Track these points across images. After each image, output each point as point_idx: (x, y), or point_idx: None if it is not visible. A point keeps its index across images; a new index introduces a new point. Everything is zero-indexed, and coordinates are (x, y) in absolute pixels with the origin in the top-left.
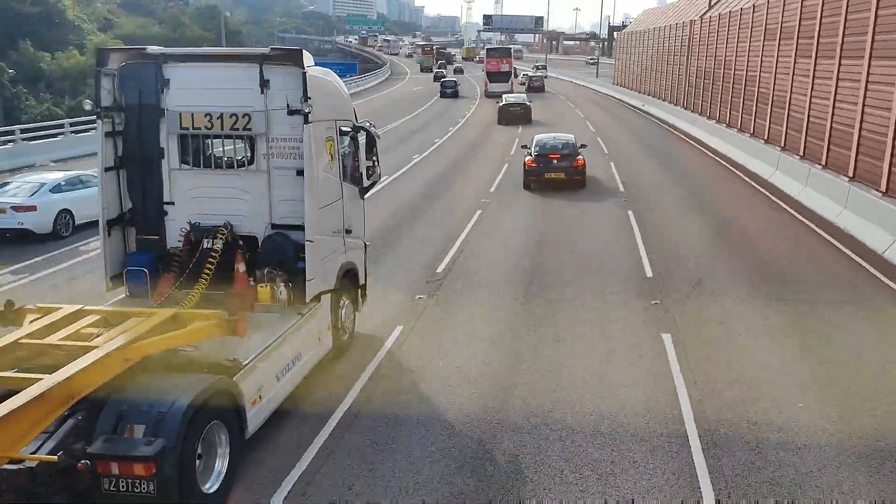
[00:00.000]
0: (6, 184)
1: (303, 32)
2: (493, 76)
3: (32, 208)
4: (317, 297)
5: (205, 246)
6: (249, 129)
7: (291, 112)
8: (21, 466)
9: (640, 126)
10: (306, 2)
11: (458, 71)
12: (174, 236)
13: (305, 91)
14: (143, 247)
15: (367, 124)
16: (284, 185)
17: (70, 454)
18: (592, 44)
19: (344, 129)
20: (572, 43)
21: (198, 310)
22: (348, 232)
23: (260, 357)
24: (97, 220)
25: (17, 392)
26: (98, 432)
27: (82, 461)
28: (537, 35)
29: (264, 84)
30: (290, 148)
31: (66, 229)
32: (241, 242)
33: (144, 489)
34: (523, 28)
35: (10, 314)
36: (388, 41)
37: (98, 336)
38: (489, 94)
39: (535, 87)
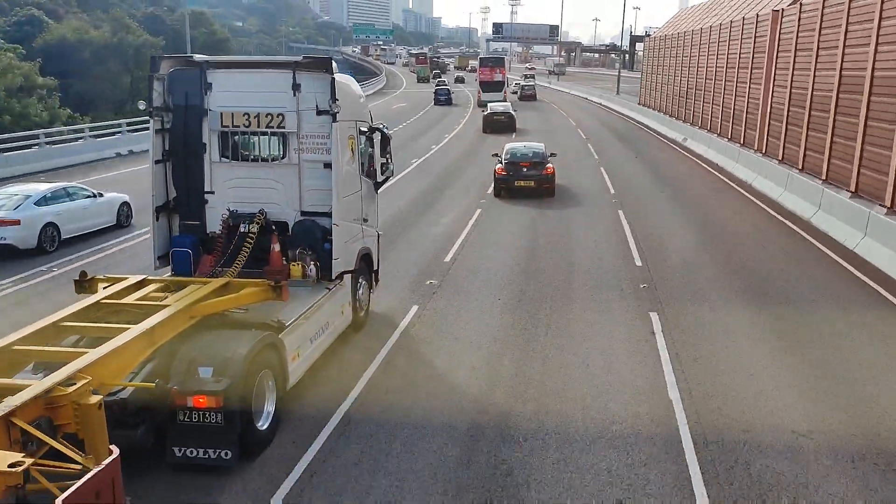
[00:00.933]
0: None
1: (314, 42)
2: (486, 85)
3: (16, 222)
4: (340, 276)
5: (241, 230)
6: (282, 127)
7: (320, 112)
8: (115, 398)
9: (700, 186)
10: (322, 12)
11: (459, 80)
12: (214, 222)
13: (333, 94)
14: (186, 231)
15: (382, 125)
16: (313, 177)
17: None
18: (613, 56)
19: (361, 129)
20: (591, 55)
21: (246, 279)
22: (365, 221)
23: (298, 321)
24: (84, 234)
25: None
26: (174, 373)
27: (173, 387)
28: (554, 46)
29: (296, 87)
30: (318, 144)
31: (52, 244)
32: (273, 227)
33: (213, 419)
34: (537, 38)
35: (85, 283)
36: (385, 50)
37: (165, 299)
38: (482, 104)
39: (526, 95)
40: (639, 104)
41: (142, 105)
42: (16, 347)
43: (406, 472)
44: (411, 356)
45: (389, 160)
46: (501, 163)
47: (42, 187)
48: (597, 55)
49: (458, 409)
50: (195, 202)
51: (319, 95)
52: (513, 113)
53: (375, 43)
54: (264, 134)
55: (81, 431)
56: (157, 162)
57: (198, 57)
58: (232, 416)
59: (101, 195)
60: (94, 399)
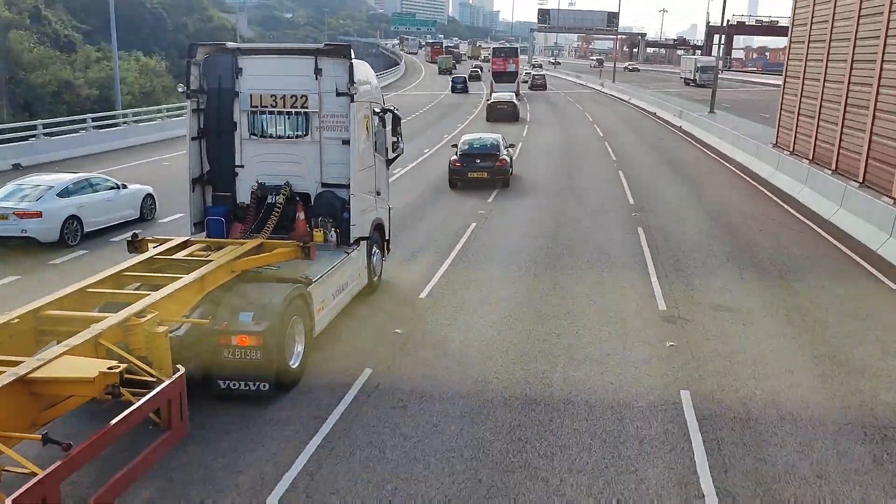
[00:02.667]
0: (20, 188)
1: (363, 35)
2: (499, 76)
3: (37, 214)
4: (357, 242)
5: (269, 201)
6: (305, 108)
7: (339, 94)
8: (172, 335)
9: None
10: (377, 4)
11: (474, 77)
12: (244, 193)
13: (351, 77)
14: (219, 201)
15: (393, 107)
16: (332, 153)
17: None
18: (680, 52)
19: (376, 109)
20: (656, 51)
21: (279, 241)
22: (378, 194)
23: (322, 278)
24: (107, 227)
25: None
26: (219, 317)
27: (224, 322)
28: (615, 40)
29: (318, 72)
30: (337, 123)
31: (74, 237)
32: (297, 198)
33: (253, 356)
34: (591, 27)
35: (136, 244)
36: (407, 39)
37: (208, 256)
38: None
39: (536, 84)
40: (774, 145)
41: (180, 88)
42: (89, 290)
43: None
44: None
45: (399, 139)
46: (457, 154)
47: (65, 177)
48: (662, 51)
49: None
50: (227, 175)
51: (339, 79)
52: (516, 102)
53: (416, 34)
54: (289, 113)
55: (150, 355)
56: (192, 139)
57: (230, 44)
58: (270, 353)
59: (124, 187)
60: (161, 328)
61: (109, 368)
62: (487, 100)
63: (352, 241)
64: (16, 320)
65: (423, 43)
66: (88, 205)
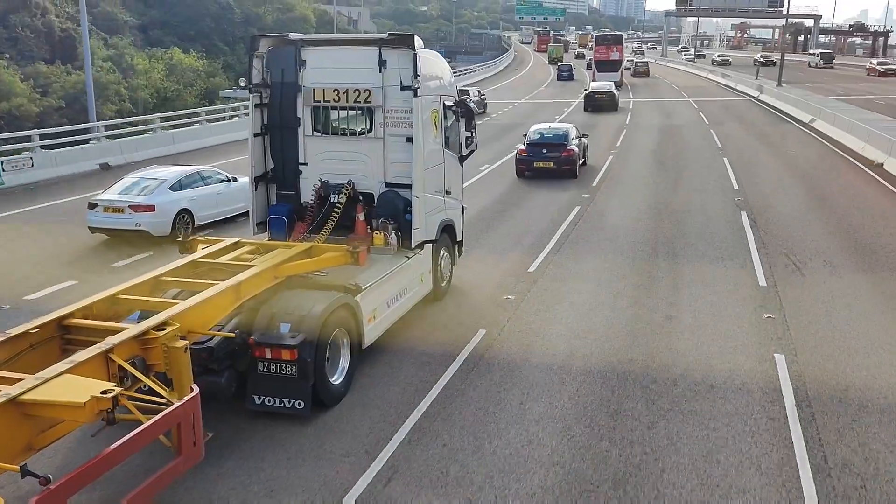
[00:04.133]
0: (139, 181)
1: (497, 28)
2: (602, 65)
3: (150, 208)
4: (420, 245)
5: (332, 200)
6: (369, 102)
7: (404, 88)
8: (204, 346)
9: None
10: None
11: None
12: (307, 192)
13: (416, 70)
14: (282, 200)
15: (467, 100)
16: (396, 150)
17: (240, 338)
18: (856, 41)
19: (447, 103)
20: (826, 39)
21: (328, 244)
22: (448, 193)
23: (375, 285)
24: (217, 221)
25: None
26: (256, 328)
27: (251, 337)
28: (778, 29)
29: (382, 64)
30: (402, 118)
31: (185, 231)
32: (360, 198)
33: (288, 371)
34: (746, 8)
35: (187, 244)
36: (528, 30)
37: (253, 260)
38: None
39: (639, 72)
40: None
41: (242, 82)
42: (120, 296)
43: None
44: None
45: (473, 134)
46: (524, 143)
47: (178, 171)
48: (830, 38)
49: None
50: (290, 173)
51: (403, 71)
52: (614, 92)
53: (542, 24)
54: (352, 109)
55: (169, 371)
56: (255, 135)
57: (293, 35)
58: (305, 369)
59: (234, 180)
60: (181, 343)
61: (104, 392)
62: (585, 89)
63: (414, 245)
64: (36, 329)
65: (534, 32)
66: (199, 198)
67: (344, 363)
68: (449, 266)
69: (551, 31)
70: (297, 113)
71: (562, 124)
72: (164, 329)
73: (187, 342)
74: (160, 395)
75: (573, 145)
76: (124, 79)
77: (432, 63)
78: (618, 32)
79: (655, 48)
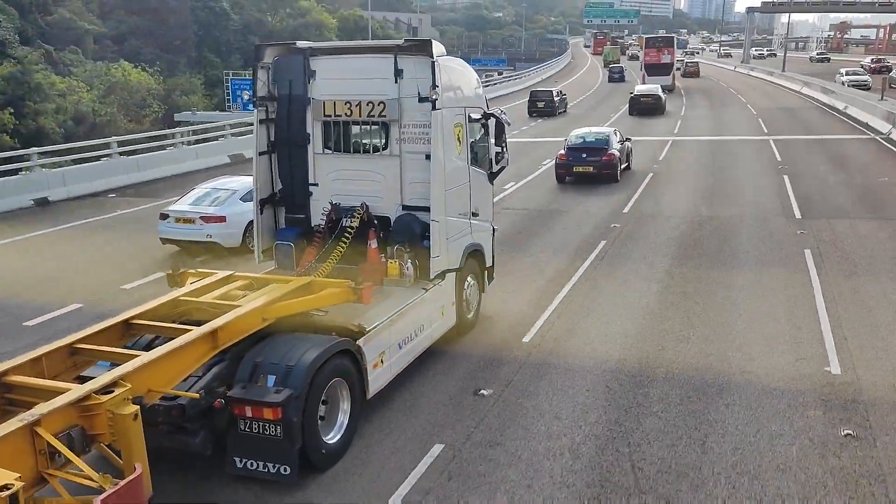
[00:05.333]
0: (210, 191)
1: (577, 33)
2: (652, 68)
3: (221, 219)
4: (441, 275)
5: (343, 224)
6: (384, 116)
7: (422, 100)
8: (175, 403)
9: None
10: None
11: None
12: (318, 215)
13: (434, 79)
14: (291, 224)
15: (498, 112)
16: (415, 169)
17: (212, 395)
18: None
19: (473, 115)
20: None
21: (329, 279)
22: (475, 215)
23: (383, 325)
24: None
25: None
26: (237, 379)
27: (219, 399)
28: (883, 29)
29: (398, 73)
30: (421, 133)
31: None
32: (375, 222)
33: (272, 431)
34: (853, 0)
35: (177, 276)
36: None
37: (243, 297)
38: None
39: (689, 72)
40: None
41: (246, 95)
42: (79, 346)
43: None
44: None
45: (504, 149)
46: (564, 148)
47: (248, 181)
48: None
49: None
50: (300, 195)
51: (421, 82)
52: (661, 95)
53: (614, 27)
54: (366, 123)
55: (117, 442)
56: (261, 153)
57: (301, 43)
58: (291, 430)
59: None
60: (130, 409)
61: (4, 487)
62: (630, 92)
63: (433, 276)
64: None
65: (591, 34)
66: None
67: (342, 419)
68: (476, 296)
69: (609, 34)
70: (307, 128)
71: (603, 128)
72: (111, 392)
73: (136, 408)
74: (90, 478)
75: (614, 149)
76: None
77: (455, 71)
78: (669, 35)
79: (730, 54)
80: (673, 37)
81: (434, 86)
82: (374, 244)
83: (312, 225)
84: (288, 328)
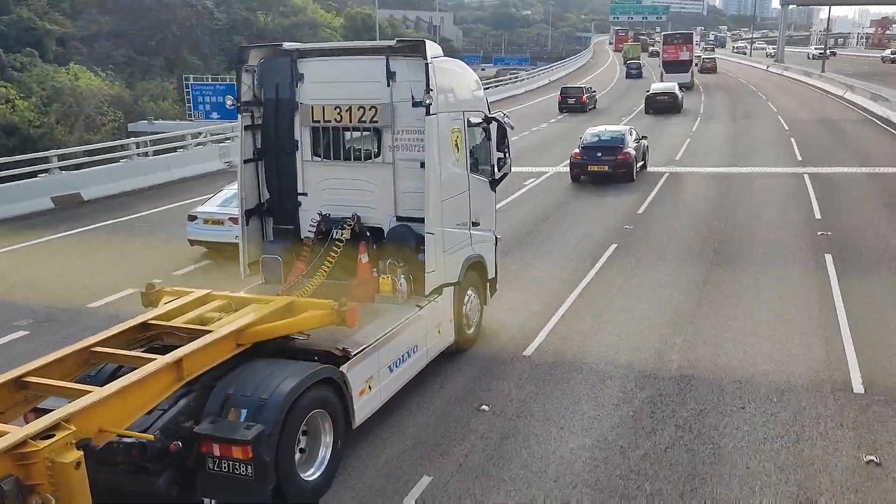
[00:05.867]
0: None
1: (605, 31)
2: (670, 65)
3: None
4: (438, 290)
5: (334, 236)
6: (376, 122)
7: (416, 104)
8: (135, 441)
9: None
10: None
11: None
12: (308, 226)
13: (428, 82)
14: (279, 236)
15: (501, 115)
16: (409, 178)
17: (178, 432)
18: None
19: (473, 120)
20: None
21: (312, 299)
22: (475, 225)
23: (372, 347)
24: None
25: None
26: (206, 412)
27: (175, 443)
28: None
29: (390, 76)
30: (415, 140)
31: None
32: (367, 234)
33: (243, 471)
34: None
35: (151, 295)
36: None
37: (217, 320)
38: None
39: (706, 68)
40: None
41: (229, 101)
42: (28, 379)
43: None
44: None
45: (507, 155)
46: (579, 147)
47: None
48: None
49: None
50: (288, 205)
51: (415, 85)
52: (677, 93)
53: (641, 25)
54: (356, 129)
55: (58, 493)
56: (246, 161)
57: (287, 45)
58: (263, 469)
59: None
60: (72, 457)
61: None
62: (646, 91)
63: (428, 292)
64: None
65: (614, 31)
66: None
67: (324, 453)
68: (478, 310)
69: (639, 31)
70: (295, 135)
71: (619, 126)
72: (51, 436)
73: (79, 455)
74: None
75: (630, 148)
76: None
77: (452, 73)
78: (688, 32)
79: (765, 50)
80: (691, 34)
81: (428, 89)
82: (364, 258)
83: (302, 237)
84: (267, 353)
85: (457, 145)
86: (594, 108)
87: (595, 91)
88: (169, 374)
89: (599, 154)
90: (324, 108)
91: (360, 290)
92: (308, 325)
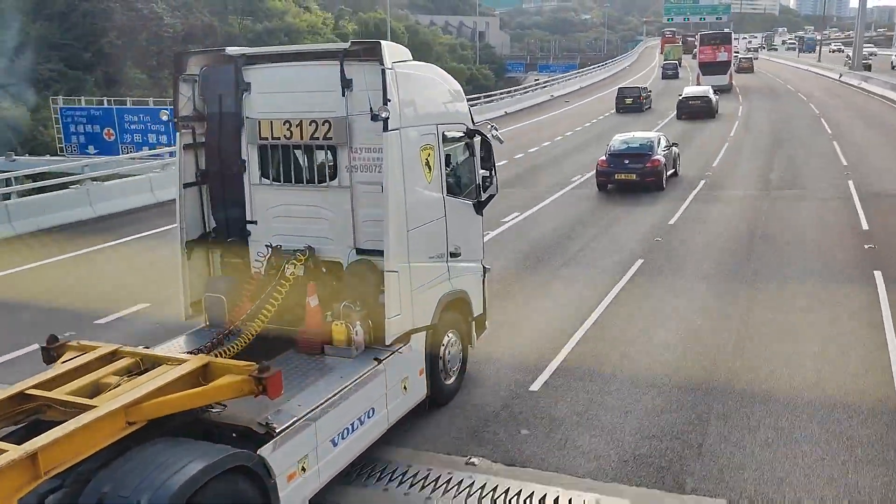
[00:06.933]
0: None
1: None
2: (707, 67)
3: None
4: (405, 337)
5: (287, 272)
6: (330, 139)
7: (375, 117)
8: None
9: None
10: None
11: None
12: (255, 260)
13: (386, 92)
14: (228, 270)
15: (490, 127)
16: (370, 204)
17: None
18: None
19: (450, 134)
20: None
21: (231, 361)
22: (454, 256)
23: (306, 419)
24: None
25: None
26: None
27: None
28: None
29: (346, 84)
30: (376, 159)
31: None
32: (324, 270)
33: None
34: None
35: (52, 350)
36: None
37: (115, 387)
38: None
39: (742, 67)
40: None
41: (164, 115)
42: None
43: None
44: None
45: (493, 173)
46: (605, 154)
47: None
48: None
49: None
50: (236, 235)
51: (373, 94)
52: (711, 97)
53: (697, 25)
54: (308, 147)
55: None
56: (186, 185)
57: (231, 50)
58: None
59: None
60: None
61: None
62: (679, 94)
63: (390, 342)
64: None
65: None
66: None
67: None
68: (458, 355)
69: (677, 33)
70: (242, 154)
71: (648, 133)
72: None
73: None
74: None
75: (659, 155)
76: None
77: (422, 81)
78: (726, 32)
79: (842, 51)
80: (729, 33)
81: (385, 100)
82: (313, 302)
83: (253, 272)
84: (173, 428)
85: (428, 165)
86: (650, 107)
87: (651, 91)
88: (19, 474)
89: (627, 161)
90: (272, 123)
91: (307, 341)
92: (220, 396)
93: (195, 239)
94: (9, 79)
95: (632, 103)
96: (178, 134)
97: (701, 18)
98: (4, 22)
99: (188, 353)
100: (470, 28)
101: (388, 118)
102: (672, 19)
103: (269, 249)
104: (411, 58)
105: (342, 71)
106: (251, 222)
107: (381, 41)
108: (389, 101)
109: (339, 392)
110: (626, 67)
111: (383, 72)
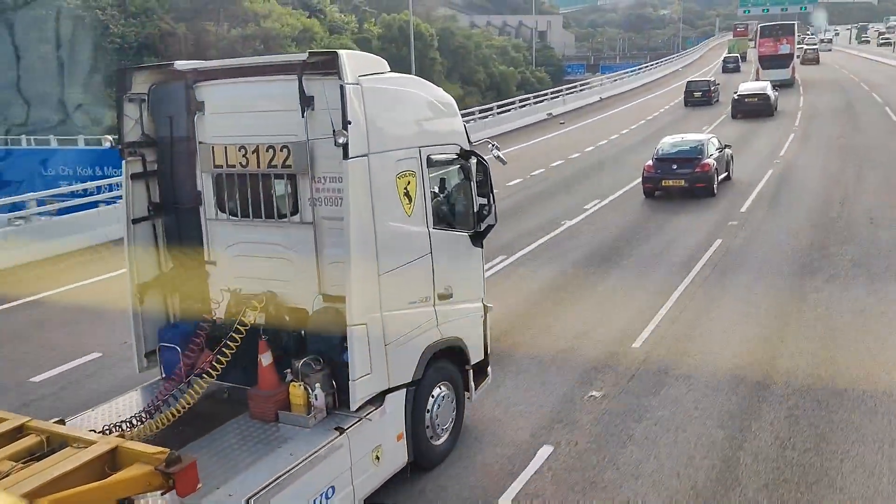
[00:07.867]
0: None
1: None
2: (767, 60)
3: None
4: (379, 398)
5: (248, 319)
6: (289, 166)
7: (337, 143)
8: None
9: None
10: None
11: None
12: (212, 306)
13: (345, 112)
14: (186, 317)
15: (491, 146)
16: (337, 243)
17: None
18: None
19: (437, 157)
20: None
21: (141, 446)
22: (443, 298)
23: None
24: None
25: None
26: None
27: None
28: None
29: (306, 103)
30: (342, 190)
31: None
32: (286, 318)
33: None
34: None
35: None
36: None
37: (5, 476)
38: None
39: (808, 59)
40: None
41: (107, 142)
42: None
43: None
44: None
45: (491, 199)
46: (652, 159)
47: None
48: None
49: None
50: (194, 276)
51: (335, 114)
52: (769, 94)
53: (780, 17)
54: (266, 177)
55: None
56: (135, 221)
57: (180, 64)
58: None
59: None
60: None
61: None
62: (734, 92)
63: (355, 407)
64: None
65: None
66: None
67: None
68: (450, 414)
69: (748, 26)
70: (198, 185)
71: (699, 135)
72: None
73: None
74: None
75: (709, 159)
76: None
77: (399, 97)
78: (789, 22)
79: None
80: (793, 24)
81: (345, 122)
82: (266, 359)
83: (214, 318)
84: None
85: (409, 195)
86: (718, 101)
87: (719, 84)
88: None
89: (675, 166)
90: (226, 148)
91: (259, 405)
92: (125, 492)
93: (148, 282)
94: None
95: (700, 97)
96: (123, 163)
97: (782, 9)
98: None
99: (107, 427)
100: (530, 28)
101: (345, 143)
102: (749, 11)
103: (228, 293)
104: (387, 69)
105: (301, 87)
106: (210, 262)
107: (340, 51)
108: (350, 123)
109: (285, 473)
110: (679, 70)
111: (342, 87)
